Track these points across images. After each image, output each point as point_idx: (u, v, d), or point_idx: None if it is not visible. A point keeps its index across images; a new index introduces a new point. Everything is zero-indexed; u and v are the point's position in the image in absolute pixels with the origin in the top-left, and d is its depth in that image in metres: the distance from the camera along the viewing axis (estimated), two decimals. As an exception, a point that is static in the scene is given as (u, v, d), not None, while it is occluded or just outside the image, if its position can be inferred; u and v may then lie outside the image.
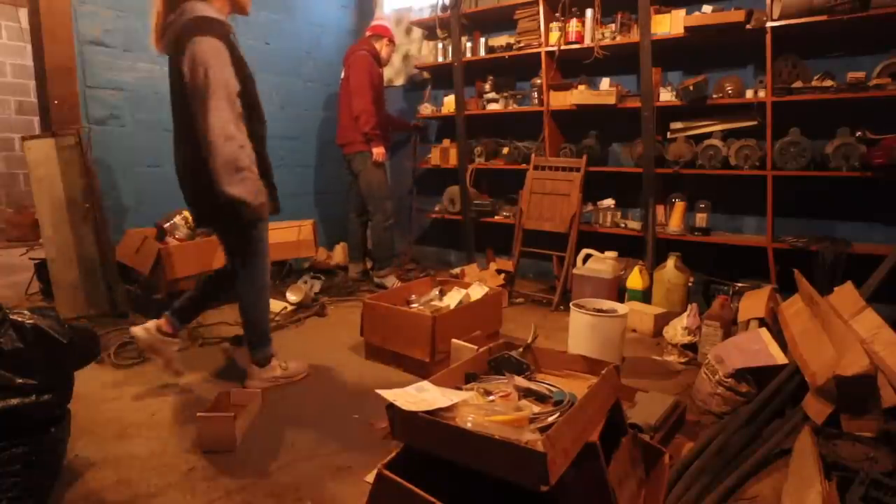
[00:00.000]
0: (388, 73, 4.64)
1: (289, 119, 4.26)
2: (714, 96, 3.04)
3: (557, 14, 3.52)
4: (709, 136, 3.08)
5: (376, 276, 3.83)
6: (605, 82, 3.46)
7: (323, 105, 4.56)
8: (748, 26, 2.80)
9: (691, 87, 2.98)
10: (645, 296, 3.10)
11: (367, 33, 3.82)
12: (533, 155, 3.67)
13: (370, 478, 1.18)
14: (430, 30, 4.26)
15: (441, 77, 4.32)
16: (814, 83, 2.74)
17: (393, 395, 1.12)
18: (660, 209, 3.33)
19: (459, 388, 1.24)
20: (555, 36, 3.49)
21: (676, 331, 2.58)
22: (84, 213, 2.89)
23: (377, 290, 3.54)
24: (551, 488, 0.93)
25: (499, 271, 3.65)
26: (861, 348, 1.65)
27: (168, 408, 1.99)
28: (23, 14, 4.98)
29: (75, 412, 1.57)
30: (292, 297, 3.26)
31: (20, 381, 1.32)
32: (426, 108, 4.20)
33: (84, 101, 3.09)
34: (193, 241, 3.16)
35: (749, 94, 2.95)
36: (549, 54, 3.51)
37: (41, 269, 3.07)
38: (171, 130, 1.99)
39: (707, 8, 3.00)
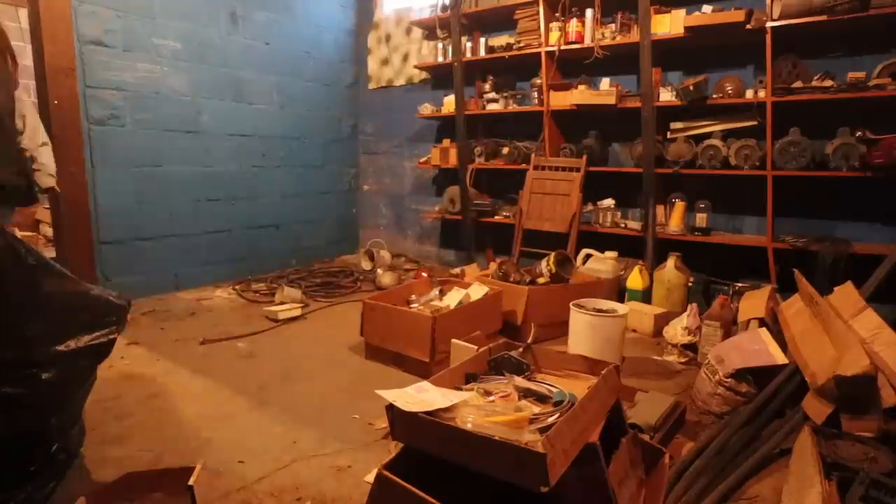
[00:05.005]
0: (388, 73, 4.64)
1: (288, 119, 4.26)
2: (714, 96, 3.04)
3: (557, 14, 3.51)
4: (709, 136, 3.07)
5: None
6: (605, 82, 3.46)
7: (323, 105, 4.56)
8: (748, 26, 2.80)
9: (691, 87, 2.98)
10: (645, 296, 3.10)
11: None
12: (533, 155, 3.67)
13: (370, 478, 1.18)
14: (430, 30, 4.25)
15: (441, 77, 4.31)
16: (814, 83, 2.74)
17: (393, 396, 1.12)
18: (660, 209, 3.33)
19: (459, 389, 1.24)
20: (555, 36, 3.49)
21: (676, 331, 2.58)
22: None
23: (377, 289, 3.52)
24: (551, 489, 0.93)
25: (499, 271, 3.64)
26: (861, 348, 1.65)
27: (168, 408, 1.99)
28: (23, 14, 4.96)
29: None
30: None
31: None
32: (426, 108, 4.20)
33: (84, 101, 3.09)
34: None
35: (749, 94, 2.94)
36: (549, 54, 3.51)
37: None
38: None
39: (707, 8, 3.00)
